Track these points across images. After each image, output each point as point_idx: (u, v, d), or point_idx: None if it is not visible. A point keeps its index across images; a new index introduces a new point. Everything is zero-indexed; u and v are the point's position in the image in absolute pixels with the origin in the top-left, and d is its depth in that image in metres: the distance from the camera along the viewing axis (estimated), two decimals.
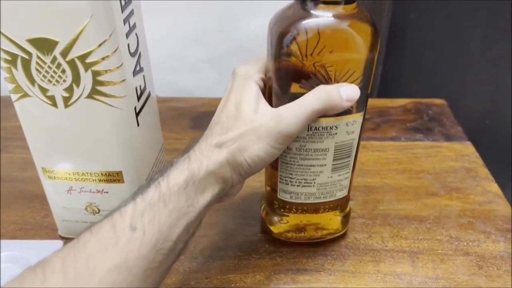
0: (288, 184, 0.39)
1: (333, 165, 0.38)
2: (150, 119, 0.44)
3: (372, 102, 0.72)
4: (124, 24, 0.36)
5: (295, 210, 0.41)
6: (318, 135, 0.36)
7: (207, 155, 0.33)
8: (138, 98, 0.40)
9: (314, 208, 0.41)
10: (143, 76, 0.41)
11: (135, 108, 0.39)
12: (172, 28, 0.82)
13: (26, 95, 0.36)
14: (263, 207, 0.45)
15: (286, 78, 0.34)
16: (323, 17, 0.32)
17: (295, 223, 0.43)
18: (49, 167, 0.41)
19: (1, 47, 0.33)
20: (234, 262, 0.44)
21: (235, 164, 0.33)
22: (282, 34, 0.33)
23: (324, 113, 0.34)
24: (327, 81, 0.34)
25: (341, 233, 0.45)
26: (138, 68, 0.39)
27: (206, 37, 0.80)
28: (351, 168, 0.40)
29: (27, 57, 0.34)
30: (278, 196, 0.41)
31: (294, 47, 0.32)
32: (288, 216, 0.42)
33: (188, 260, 0.44)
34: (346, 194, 0.41)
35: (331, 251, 0.45)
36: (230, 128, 0.33)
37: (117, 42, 0.35)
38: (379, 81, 0.93)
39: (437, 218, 0.49)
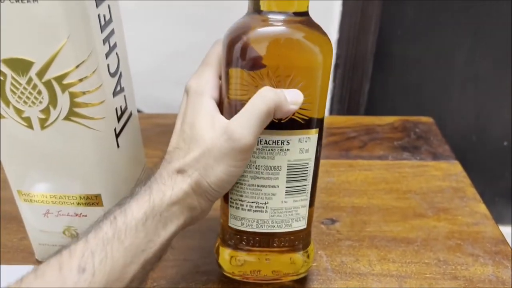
0: (238, 208, 0.36)
1: (286, 187, 0.35)
2: (131, 140, 0.43)
3: (359, 119, 0.71)
4: (104, 44, 0.35)
5: (246, 241, 0.38)
6: (269, 150, 0.34)
7: (170, 185, 0.31)
8: (118, 119, 0.39)
9: (269, 241, 0.38)
10: (124, 96, 0.40)
11: (115, 129, 0.38)
12: (158, 41, 0.82)
13: (0, 116, 0.34)
14: (217, 243, 0.41)
15: (235, 85, 0.33)
16: (275, 25, 0.32)
17: (250, 262, 0.39)
18: (25, 190, 0.39)
19: None
20: (218, 287, 0.42)
21: (200, 191, 0.32)
22: (232, 42, 0.32)
23: (272, 116, 0.32)
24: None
25: (302, 275, 0.41)
26: (118, 88, 0.38)
27: (193, 50, 0.79)
28: (309, 196, 0.37)
29: (1, 77, 0.32)
30: (229, 224, 0.38)
31: (244, 55, 0.31)
32: (241, 251, 0.39)
33: (169, 286, 0.42)
34: (304, 226, 0.38)
35: (317, 275, 0.44)
36: (188, 151, 0.32)
37: (96, 63, 0.33)
38: (366, 97, 0.93)
39: (425, 240, 0.48)
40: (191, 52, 0.79)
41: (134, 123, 0.43)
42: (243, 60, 0.32)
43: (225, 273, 0.40)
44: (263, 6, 0.32)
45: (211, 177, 0.31)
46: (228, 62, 0.32)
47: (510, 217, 1.11)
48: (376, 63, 0.90)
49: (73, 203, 0.39)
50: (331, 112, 0.88)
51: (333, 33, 0.75)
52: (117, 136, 0.38)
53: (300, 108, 0.33)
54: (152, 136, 0.64)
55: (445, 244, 0.47)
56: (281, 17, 0.32)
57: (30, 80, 0.32)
